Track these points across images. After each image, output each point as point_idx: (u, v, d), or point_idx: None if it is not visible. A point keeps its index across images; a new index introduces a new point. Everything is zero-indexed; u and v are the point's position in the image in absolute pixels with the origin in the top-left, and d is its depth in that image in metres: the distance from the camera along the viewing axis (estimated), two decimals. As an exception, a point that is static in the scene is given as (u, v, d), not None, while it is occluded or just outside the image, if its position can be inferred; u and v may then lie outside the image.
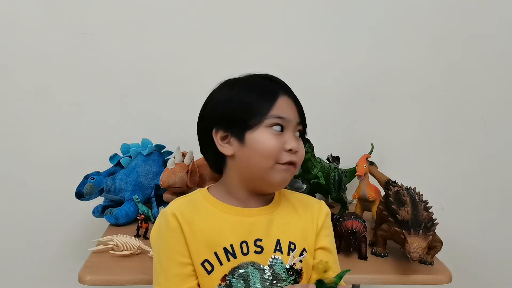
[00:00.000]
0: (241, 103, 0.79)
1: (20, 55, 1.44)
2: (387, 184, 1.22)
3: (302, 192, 1.37)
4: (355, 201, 1.38)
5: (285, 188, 1.30)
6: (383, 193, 1.25)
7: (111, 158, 1.33)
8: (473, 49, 1.52)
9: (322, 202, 0.90)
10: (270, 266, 0.78)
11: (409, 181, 1.21)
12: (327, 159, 1.41)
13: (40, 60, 1.44)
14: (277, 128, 0.78)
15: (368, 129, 1.54)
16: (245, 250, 0.78)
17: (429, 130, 1.56)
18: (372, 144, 1.45)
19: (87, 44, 1.44)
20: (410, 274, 1.03)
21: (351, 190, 1.41)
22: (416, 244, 0.97)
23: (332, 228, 0.89)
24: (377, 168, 1.41)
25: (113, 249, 1.07)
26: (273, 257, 0.79)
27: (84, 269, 1.00)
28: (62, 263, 1.54)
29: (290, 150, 0.78)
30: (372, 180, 1.35)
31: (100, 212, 1.31)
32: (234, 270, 0.77)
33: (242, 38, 1.47)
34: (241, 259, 0.77)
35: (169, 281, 0.77)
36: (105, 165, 1.33)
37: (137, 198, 1.28)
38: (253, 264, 0.78)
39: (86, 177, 1.23)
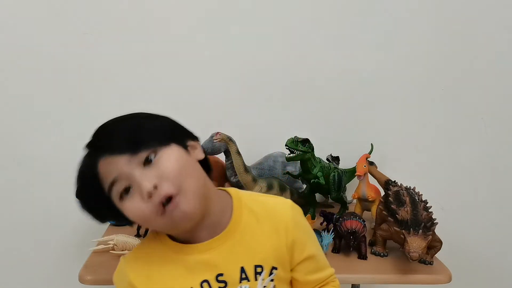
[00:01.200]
0: (82, 203, 0.74)
1: (20, 55, 1.43)
2: (387, 184, 1.22)
3: (302, 192, 1.38)
4: (355, 201, 1.39)
5: (285, 187, 1.31)
6: (383, 193, 1.25)
7: (111, 158, 1.33)
8: (473, 49, 1.51)
9: (287, 201, 0.80)
10: None
11: (409, 181, 1.21)
12: (327, 159, 1.41)
13: (40, 60, 1.44)
14: (124, 191, 0.67)
15: (368, 129, 1.54)
16: None
17: (429, 130, 1.56)
18: (372, 144, 1.45)
19: (87, 44, 1.44)
20: (409, 274, 1.04)
21: (351, 190, 1.41)
22: (415, 244, 0.97)
23: (307, 229, 0.81)
24: (377, 168, 1.41)
25: (113, 249, 1.08)
26: (241, 287, 0.73)
27: (84, 269, 1.00)
28: (62, 263, 1.54)
29: (149, 195, 0.65)
30: (372, 180, 1.35)
31: (100, 212, 1.31)
32: None
33: (242, 38, 1.47)
34: None
35: None
36: (105, 165, 1.32)
37: (137, 198, 1.28)
38: None
39: (86, 177, 1.23)
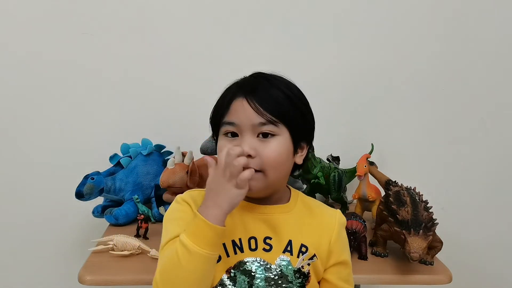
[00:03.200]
0: (211, 115, 0.82)
1: (20, 55, 1.44)
2: (387, 184, 1.22)
3: (302, 192, 1.38)
4: (355, 201, 1.38)
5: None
6: (383, 193, 1.25)
7: (111, 158, 1.33)
8: (473, 49, 1.52)
9: (338, 211, 0.87)
10: (277, 265, 0.77)
11: (409, 181, 1.21)
12: (327, 159, 1.41)
13: (40, 59, 1.44)
14: (229, 134, 0.76)
15: (368, 129, 1.54)
16: (253, 246, 0.77)
17: (429, 130, 1.56)
18: (372, 144, 1.45)
19: (87, 44, 1.44)
20: (410, 274, 1.03)
21: (351, 190, 1.41)
22: (416, 244, 0.97)
23: (347, 239, 0.87)
24: (377, 168, 1.41)
25: (113, 249, 1.07)
26: (281, 257, 0.78)
27: (84, 269, 1.00)
28: (62, 263, 1.54)
29: (240, 155, 0.71)
30: (372, 180, 1.35)
31: (100, 212, 1.31)
32: (239, 264, 0.77)
33: (243, 38, 1.47)
34: (248, 254, 0.77)
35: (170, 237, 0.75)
36: (105, 165, 1.33)
37: (137, 198, 1.28)
38: (259, 261, 0.77)
39: (86, 177, 1.23)
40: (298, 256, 0.78)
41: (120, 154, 1.35)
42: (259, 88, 0.77)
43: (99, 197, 1.27)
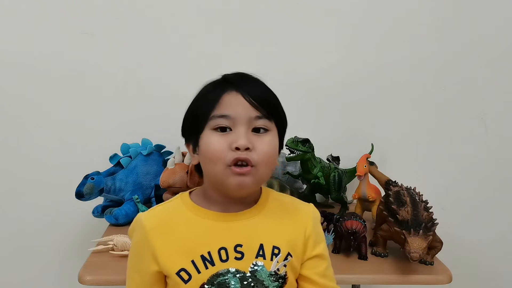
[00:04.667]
0: (191, 111, 0.79)
1: (20, 55, 1.43)
2: (387, 184, 1.22)
3: (302, 192, 1.38)
4: (355, 201, 1.38)
5: (285, 187, 1.31)
6: (383, 193, 1.25)
7: (111, 158, 1.33)
8: (473, 48, 1.51)
9: (311, 205, 0.85)
10: (252, 272, 0.75)
11: (409, 181, 1.21)
12: (327, 159, 1.41)
13: (40, 59, 1.44)
14: (219, 129, 0.73)
15: (368, 129, 1.54)
16: (224, 257, 0.75)
17: (429, 130, 1.56)
18: (372, 144, 1.45)
19: (87, 44, 1.44)
20: (410, 274, 1.03)
21: (351, 190, 1.41)
22: (416, 244, 0.97)
23: (322, 233, 0.85)
24: (377, 168, 1.41)
25: (113, 249, 1.07)
26: (254, 263, 0.75)
27: (84, 269, 1.00)
28: (62, 263, 1.54)
29: (237, 149, 0.71)
30: (372, 180, 1.35)
31: (100, 212, 1.31)
32: (212, 278, 0.73)
33: (243, 38, 1.47)
34: (220, 266, 0.74)
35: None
36: (105, 165, 1.33)
37: (137, 198, 1.28)
38: (233, 271, 0.74)
39: (86, 177, 1.23)
40: (271, 259, 0.76)
41: (120, 154, 1.35)
42: (251, 83, 0.77)
43: (99, 197, 1.27)
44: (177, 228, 0.77)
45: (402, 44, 1.50)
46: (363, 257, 1.10)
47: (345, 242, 1.10)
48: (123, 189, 1.31)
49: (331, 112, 1.53)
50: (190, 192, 0.83)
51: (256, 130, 0.74)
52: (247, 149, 0.71)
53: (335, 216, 1.20)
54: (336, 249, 1.13)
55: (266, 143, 0.74)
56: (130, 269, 0.80)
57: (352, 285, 1.31)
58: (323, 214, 1.24)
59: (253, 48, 1.47)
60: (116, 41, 1.45)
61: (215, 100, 0.74)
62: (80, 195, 1.20)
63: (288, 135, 1.20)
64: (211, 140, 0.73)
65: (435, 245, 1.08)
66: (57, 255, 1.54)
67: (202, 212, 0.78)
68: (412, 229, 0.99)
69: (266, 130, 0.75)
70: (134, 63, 1.46)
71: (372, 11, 1.48)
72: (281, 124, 0.78)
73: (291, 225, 0.80)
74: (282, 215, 0.81)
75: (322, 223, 1.24)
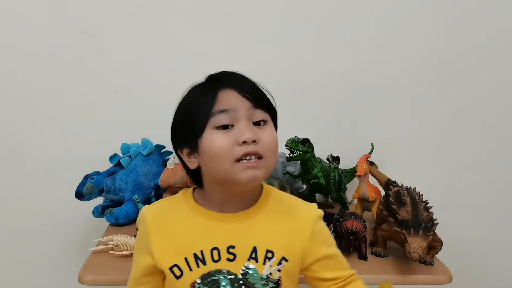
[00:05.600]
0: (183, 115, 0.77)
1: (20, 55, 1.43)
2: (387, 184, 1.22)
3: (302, 192, 1.38)
4: (355, 201, 1.38)
5: (285, 187, 1.31)
6: (383, 193, 1.25)
7: (111, 158, 1.33)
8: (473, 48, 1.51)
9: (313, 205, 0.83)
10: (243, 275, 0.74)
11: (409, 181, 1.21)
12: (327, 159, 1.41)
13: (40, 59, 1.44)
14: (224, 126, 0.72)
15: (368, 129, 1.53)
16: (216, 257, 0.75)
17: (429, 130, 1.56)
18: (372, 144, 1.45)
19: (87, 44, 1.44)
20: (410, 274, 1.03)
21: (351, 190, 1.41)
22: (416, 244, 0.97)
23: (326, 231, 0.83)
24: (377, 168, 1.41)
25: (113, 249, 1.07)
26: (246, 265, 0.75)
27: (84, 269, 1.00)
28: (62, 263, 1.53)
29: (244, 142, 0.71)
30: (372, 180, 1.35)
31: (100, 212, 1.31)
32: (203, 277, 0.74)
33: (243, 38, 1.47)
34: (211, 266, 0.75)
35: (132, 278, 0.82)
36: (105, 165, 1.33)
37: (137, 198, 1.28)
38: (224, 272, 0.74)
39: (86, 177, 1.23)
40: (264, 263, 0.75)
41: (120, 154, 1.35)
42: (241, 79, 0.77)
43: (99, 197, 1.27)
44: (174, 225, 0.78)
45: (403, 45, 1.50)
46: (363, 257, 1.10)
47: (345, 242, 1.10)
48: (123, 189, 1.31)
49: (331, 112, 1.53)
50: (194, 189, 0.83)
51: (257, 124, 0.74)
52: (254, 142, 0.71)
53: (335, 216, 1.20)
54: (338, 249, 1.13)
55: (269, 134, 0.74)
56: (133, 260, 0.83)
57: (352, 285, 1.31)
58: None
59: (253, 48, 1.47)
60: (116, 41, 1.45)
61: (212, 98, 0.73)
62: (80, 195, 1.20)
63: (288, 135, 1.21)
64: (214, 138, 0.72)
65: (435, 245, 1.08)
66: (57, 255, 1.54)
67: (200, 210, 0.79)
68: (412, 229, 0.99)
69: (265, 122, 0.75)
70: (134, 63, 1.46)
71: (372, 11, 1.48)
72: (274, 115, 0.79)
73: (289, 227, 0.79)
74: (280, 217, 0.79)
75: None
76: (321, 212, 0.83)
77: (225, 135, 0.72)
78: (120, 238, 1.08)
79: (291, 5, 1.46)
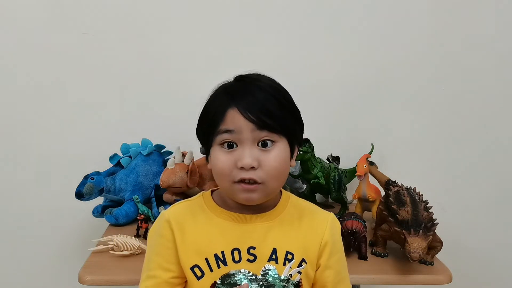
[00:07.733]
0: (201, 123, 0.79)
1: (20, 55, 1.44)
2: (387, 184, 1.22)
3: (302, 192, 1.38)
4: (355, 201, 1.38)
5: (285, 187, 1.31)
6: (383, 193, 1.25)
7: (111, 158, 1.33)
8: (474, 48, 1.51)
9: (331, 214, 0.84)
10: (263, 275, 0.75)
11: (409, 181, 1.21)
12: (327, 159, 1.41)
13: (40, 59, 1.44)
14: (226, 144, 0.73)
15: (368, 129, 1.54)
16: (236, 258, 0.76)
17: (429, 130, 1.56)
18: (372, 144, 1.45)
19: (87, 44, 1.44)
20: (410, 274, 1.03)
21: (351, 190, 1.41)
22: (416, 244, 0.97)
23: (341, 245, 0.84)
24: (377, 168, 1.41)
25: (113, 249, 1.07)
26: (266, 266, 0.76)
27: (84, 269, 1.00)
28: (62, 263, 1.53)
29: (242, 168, 0.72)
30: (372, 180, 1.35)
31: (100, 212, 1.31)
32: (224, 277, 0.75)
33: (243, 37, 1.47)
34: (232, 266, 0.75)
35: (148, 280, 0.78)
36: (105, 165, 1.33)
37: (137, 198, 1.28)
38: (244, 272, 0.75)
39: (86, 177, 1.23)
40: (284, 264, 0.76)
41: (120, 154, 1.35)
42: (250, 95, 0.74)
43: (99, 197, 1.27)
44: (195, 227, 0.78)
45: (403, 45, 1.50)
46: (363, 257, 1.10)
47: (345, 242, 1.09)
48: (123, 189, 1.31)
49: (331, 112, 1.53)
50: (212, 191, 0.84)
51: (264, 144, 0.73)
52: (252, 168, 0.72)
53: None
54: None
55: (273, 159, 0.73)
56: (151, 252, 0.80)
57: (352, 285, 1.31)
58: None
59: (253, 49, 1.47)
60: (116, 41, 1.45)
61: (220, 116, 0.74)
62: (80, 195, 1.20)
63: (288, 135, 1.21)
64: (218, 157, 0.74)
65: (435, 245, 1.08)
66: (57, 255, 1.54)
67: (220, 212, 0.80)
68: (412, 229, 0.99)
69: (273, 142, 0.74)
70: (134, 63, 1.46)
71: (373, 12, 1.48)
72: (289, 132, 0.76)
73: (307, 231, 0.80)
74: (299, 221, 0.80)
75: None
76: (339, 223, 0.85)
77: (228, 155, 0.73)
78: (120, 238, 1.08)
79: (294, 7, 1.46)
